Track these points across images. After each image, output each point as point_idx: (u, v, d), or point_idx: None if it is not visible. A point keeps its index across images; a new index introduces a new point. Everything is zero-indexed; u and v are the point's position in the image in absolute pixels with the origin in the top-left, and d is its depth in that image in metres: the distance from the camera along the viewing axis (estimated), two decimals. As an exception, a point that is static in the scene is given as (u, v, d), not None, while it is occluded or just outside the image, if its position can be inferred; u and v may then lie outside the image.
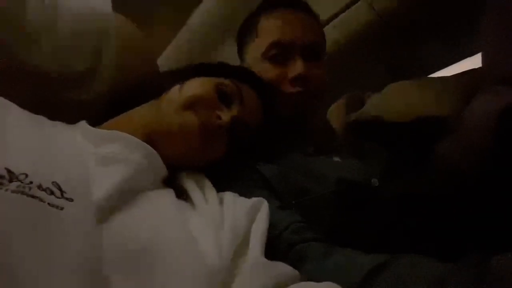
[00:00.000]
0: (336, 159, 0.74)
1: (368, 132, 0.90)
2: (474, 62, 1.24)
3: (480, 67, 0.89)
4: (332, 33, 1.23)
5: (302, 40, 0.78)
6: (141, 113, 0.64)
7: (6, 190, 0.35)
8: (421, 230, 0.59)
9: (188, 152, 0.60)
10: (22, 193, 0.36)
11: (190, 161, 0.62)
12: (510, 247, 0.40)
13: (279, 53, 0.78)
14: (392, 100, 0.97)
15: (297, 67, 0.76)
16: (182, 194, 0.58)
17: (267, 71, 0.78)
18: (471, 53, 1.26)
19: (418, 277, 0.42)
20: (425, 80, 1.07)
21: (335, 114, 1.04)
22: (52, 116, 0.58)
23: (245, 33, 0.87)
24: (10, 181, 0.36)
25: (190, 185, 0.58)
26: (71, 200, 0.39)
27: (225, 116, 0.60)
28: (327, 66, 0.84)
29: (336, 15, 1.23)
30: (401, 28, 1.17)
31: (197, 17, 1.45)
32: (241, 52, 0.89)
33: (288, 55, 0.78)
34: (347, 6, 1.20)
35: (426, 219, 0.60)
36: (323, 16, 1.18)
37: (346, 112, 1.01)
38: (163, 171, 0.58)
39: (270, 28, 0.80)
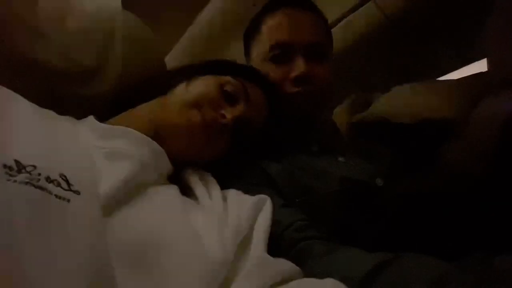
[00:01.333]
0: (341, 159, 0.74)
1: (373, 133, 0.89)
2: (482, 65, 1.23)
3: (487, 71, 0.89)
4: (340, 34, 1.23)
5: (304, 40, 0.77)
6: (148, 109, 0.65)
7: (15, 181, 0.35)
8: (424, 230, 0.59)
9: (192, 149, 0.61)
10: (31, 184, 0.36)
11: (193, 158, 0.62)
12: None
13: (281, 53, 0.78)
14: (399, 102, 0.96)
15: (298, 66, 0.76)
16: (186, 191, 0.58)
17: (270, 71, 0.77)
18: (480, 57, 1.25)
19: (420, 276, 0.42)
20: (432, 82, 1.06)
21: (341, 114, 1.04)
22: (60, 111, 0.59)
23: (250, 33, 0.87)
24: (19, 172, 0.37)
25: (194, 182, 0.59)
26: (78, 193, 0.39)
27: (229, 115, 0.61)
28: (334, 67, 0.83)
29: (344, 16, 1.23)
30: (409, 30, 1.16)
31: (206, 16, 1.45)
32: (247, 52, 0.89)
33: (290, 55, 0.77)
34: (355, 7, 1.19)
35: (429, 219, 0.60)
36: (331, 17, 1.18)
37: (353, 112, 1.01)
38: (168, 167, 0.59)
39: (273, 29, 0.80)
